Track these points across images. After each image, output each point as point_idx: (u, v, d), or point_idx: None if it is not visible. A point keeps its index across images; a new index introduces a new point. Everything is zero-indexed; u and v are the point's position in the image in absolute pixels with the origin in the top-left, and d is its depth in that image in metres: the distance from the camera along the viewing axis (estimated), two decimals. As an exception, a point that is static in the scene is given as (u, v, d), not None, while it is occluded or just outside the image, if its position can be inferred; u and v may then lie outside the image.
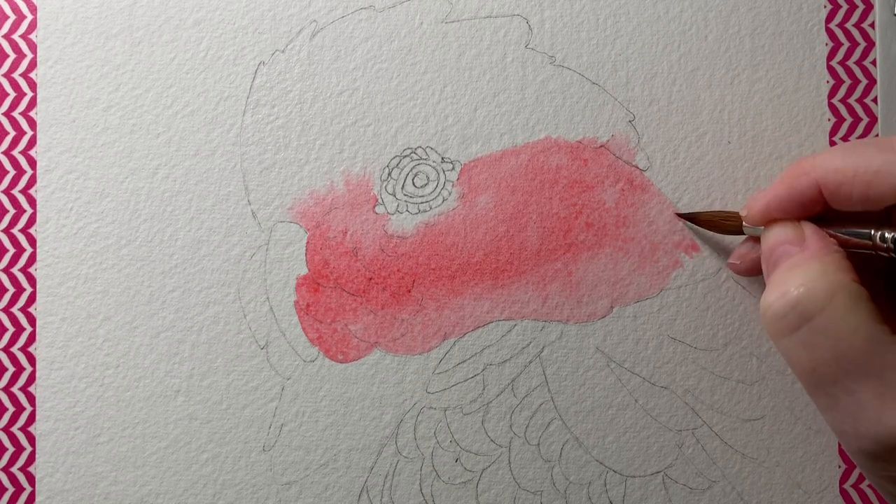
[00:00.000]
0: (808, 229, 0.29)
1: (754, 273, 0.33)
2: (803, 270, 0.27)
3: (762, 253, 0.30)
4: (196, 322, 0.35)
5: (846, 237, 0.29)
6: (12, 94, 0.35)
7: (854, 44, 0.35)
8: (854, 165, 0.27)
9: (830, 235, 0.29)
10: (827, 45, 0.35)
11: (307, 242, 0.35)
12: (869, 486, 0.34)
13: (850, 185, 0.27)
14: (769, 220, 0.30)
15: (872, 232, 0.28)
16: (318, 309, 0.35)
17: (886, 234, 0.27)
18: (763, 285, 0.30)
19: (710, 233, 0.34)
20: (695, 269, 0.35)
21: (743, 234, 0.32)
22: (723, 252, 0.35)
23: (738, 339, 0.35)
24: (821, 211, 0.29)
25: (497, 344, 0.35)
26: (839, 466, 0.34)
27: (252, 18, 0.35)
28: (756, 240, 0.32)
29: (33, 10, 0.35)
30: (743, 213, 0.32)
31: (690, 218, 0.34)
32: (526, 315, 0.35)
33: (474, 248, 0.35)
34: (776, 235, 0.30)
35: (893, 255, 0.28)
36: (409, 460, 0.35)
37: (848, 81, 0.35)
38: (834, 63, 0.35)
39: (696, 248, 0.35)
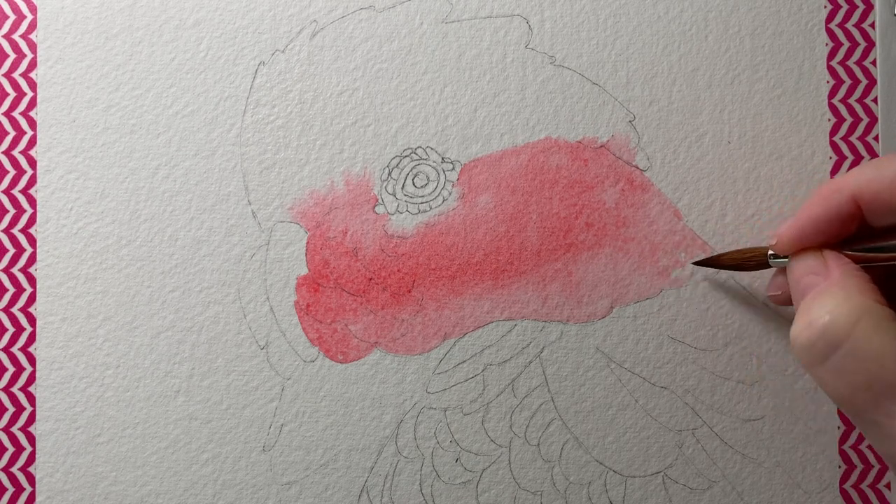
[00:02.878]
0: (830, 256, 0.29)
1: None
2: (827, 298, 0.27)
3: (790, 285, 0.30)
4: (196, 322, 0.35)
5: (878, 254, 0.28)
6: (12, 94, 0.35)
7: (854, 44, 0.35)
8: (889, 173, 0.27)
9: (859, 255, 0.29)
10: (827, 45, 0.35)
11: (307, 242, 0.35)
12: (869, 486, 0.34)
13: (887, 192, 0.27)
14: (800, 248, 0.30)
15: None
16: (318, 309, 0.35)
17: None
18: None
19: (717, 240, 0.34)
20: (695, 269, 0.35)
21: (769, 267, 0.32)
22: (723, 251, 0.35)
23: (738, 339, 0.35)
24: (855, 231, 0.29)
25: (497, 344, 0.35)
26: (839, 466, 0.34)
27: (252, 18, 0.35)
28: None
29: (33, 10, 0.35)
30: (772, 243, 0.31)
31: (712, 262, 0.33)
32: (526, 315, 0.35)
33: (474, 249, 0.35)
34: (799, 268, 0.30)
35: None
36: (409, 460, 0.35)
37: (848, 81, 0.35)
38: (834, 63, 0.35)
39: (696, 248, 0.35)
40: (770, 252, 0.31)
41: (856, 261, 0.29)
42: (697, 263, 0.34)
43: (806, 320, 0.27)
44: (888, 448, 0.26)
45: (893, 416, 0.25)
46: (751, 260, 0.32)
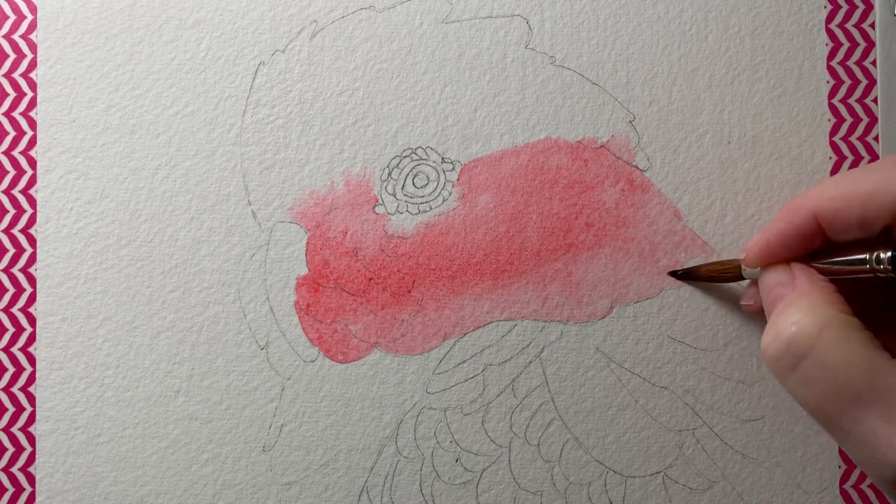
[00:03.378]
0: (797, 269, 0.30)
1: None
2: (793, 309, 0.28)
3: (762, 298, 0.31)
4: (196, 322, 0.35)
5: (843, 267, 0.29)
6: (12, 94, 0.35)
7: (854, 44, 0.35)
8: (847, 190, 0.28)
9: (827, 268, 0.29)
10: (827, 45, 0.35)
11: (307, 242, 0.35)
12: (869, 485, 0.34)
13: (846, 210, 0.28)
14: (767, 262, 0.31)
15: (868, 256, 0.28)
16: (318, 309, 0.35)
17: (882, 255, 0.28)
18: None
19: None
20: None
21: (743, 279, 0.32)
22: (723, 251, 0.35)
23: (738, 339, 0.35)
24: (820, 245, 0.30)
25: (497, 344, 0.35)
26: (839, 466, 0.34)
27: (252, 18, 0.35)
28: None
29: (33, 10, 0.35)
30: (742, 257, 0.32)
31: (688, 274, 0.34)
32: (526, 315, 0.35)
33: (474, 249, 0.35)
34: (769, 280, 0.30)
35: (892, 274, 0.28)
36: (409, 460, 0.35)
37: (848, 81, 0.35)
38: (834, 63, 0.35)
39: (696, 248, 0.35)
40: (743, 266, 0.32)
41: (824, 273, 0.29)
42: (674, 275, 0.34)
43: (774, 332, 0.28)
44: (857, 454, 0.26)
45: (860, 423, 0.25)
46: (726, 272, 0.33)
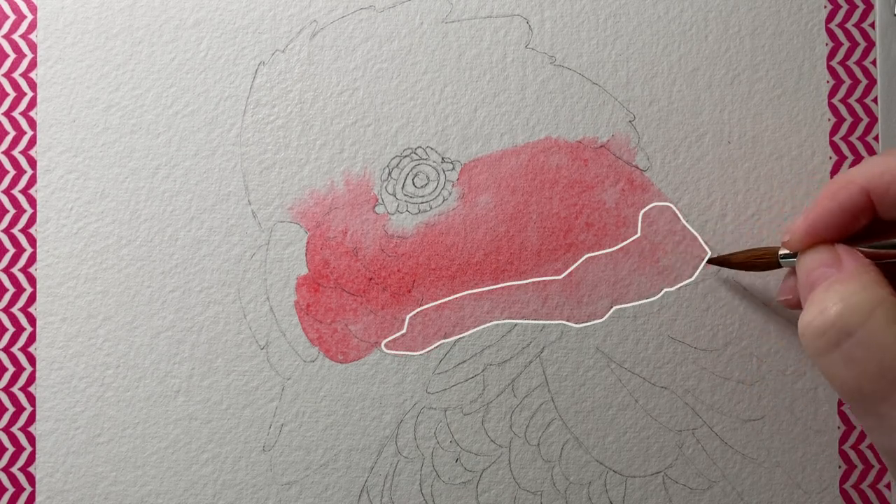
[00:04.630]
0: (843, 250, 0.29)
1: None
2: (842, 288, 0.27)
3: (798, 280, 0.30)
4: (196, 322, 0.35)
5: (889, 250, 0.28)
6: (12, 94, 0.35)
7: (854, 44, 0.35)
8: None
9: (872, 252, 0.29)
10: (827, 45, 0.35)
11: (307, 242, 0.35)
12: (869, 486, 0.34)
13: None
14: (812, 243, 0.30)
15: None
16: (318, 309, 0.35)
17: None
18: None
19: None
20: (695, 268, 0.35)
21: (779, 267, 0.31)
22: (724, 251, 0.35)
23: (738, 339, 0.35)
24: (866, 224, 0.29)
25: (497, 344, 0.35)
26: (839, 466, 0.34)
27: (252, 18, 0.35)
28: None
29: (33, 10, 0.35)
30: (785, 239, 0.31)
31: (723, 262, 0.33)
32: (526, 315, 0.35)
33: (474, 248, 0.35)
34: (811, 260, 0.29)
35: None
36: (409, 460, 0.35)
37: (848, 81, 0.35)
38: (834, 63, 0.35)
39: (696, 248, 0.35)
40: (780, 252, 0.31)
41: (868, 257, 0.28)
42: (711, 262, 0.34)
43: (818, 308, 0.27)
44: (889, 443, 0.26)
45: None
46: (761, 259, 0.32)
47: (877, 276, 0.27)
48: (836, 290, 0.27)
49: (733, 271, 0.34)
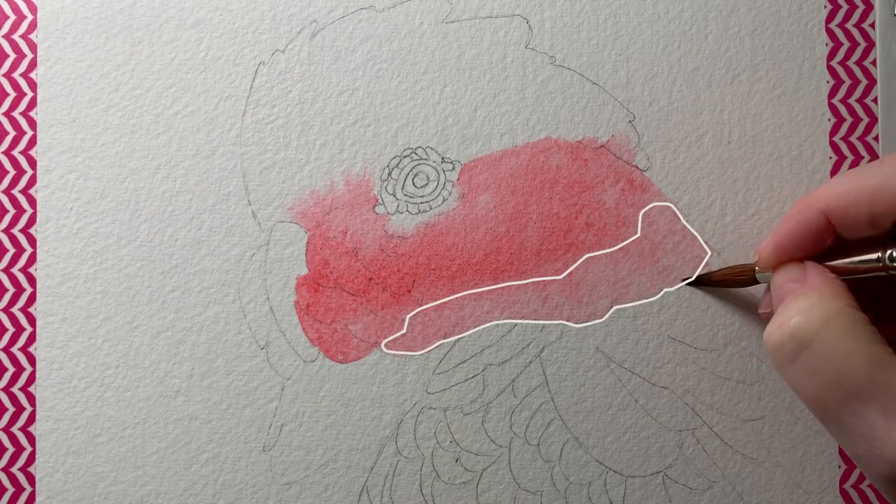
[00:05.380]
0: (810, 266, 0.30)
1: None
2: (801, 300, 0.28)
3: (772, 296, 0.31)
4: (196, 322, 0.35)
5: (856, 265, 0.29)
6: (12, 94, 0.35)
7: (854, 44, 0.35)
8: (855, 187, 0.28)
9: (839, 268, 0.29)
10: (827, 45, 0.35)
11: (307, 242, 0.35)
12: (869, 486, 0.34)
13: (855, 206, 0.28)
14: (780, 262, 0.31)
15: (880, 255, 0.28)
16: (318, 309, 0.35)
17: (895, 254, 0.28)
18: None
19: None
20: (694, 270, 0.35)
21: (758, 283, 0.32)
22: (724, 251, 0.35)
23: (738, 339, 0.35)
24: (831, 244, 0.30)
25: (497, 344, 0.35)
26: (839, 466, 0.34)
27: (252, 18, 0.35)
28: None
29: (33, 10, 0.35)
30: (755, 259, 0.32)
31: (703, 281, 0.34)
32: (526, 315, 0.35)
33: (474, 249, 0.35)
34: (781, 277, 0.30)
35: None
36: (409, 460, 0.35)
37: (848, 81, 0.35)
38: (834, 63, 0.35)
39: (696, 248, 0.35)
40: (757, 268, 0.32)
41: (837, 272, 0.29)
42: (689, 283, 0.34)
43: (778, 321, 0.28)
44: (854, 449, 0.26)
45: (859, 416, 0.25)
46: (740, 276, 0.33)
47: (837, 288, 0.28)
48: (795, 303, 0.28)
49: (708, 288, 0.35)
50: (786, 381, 0.28)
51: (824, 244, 0.30)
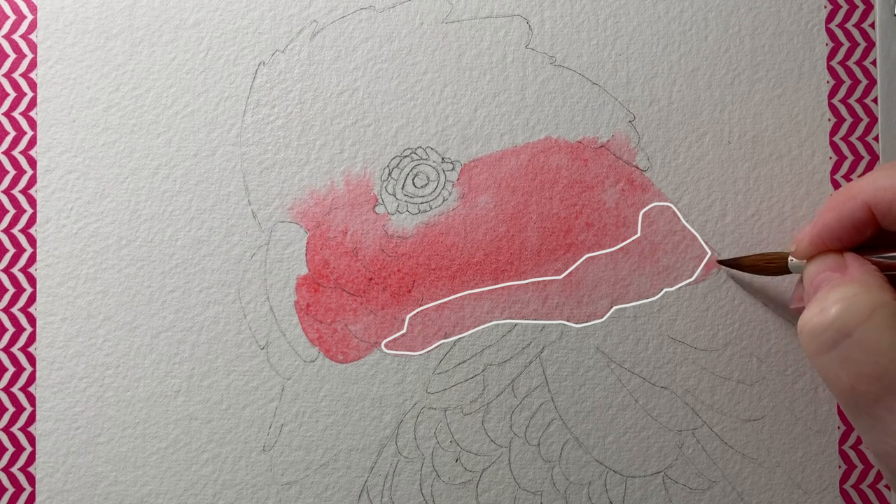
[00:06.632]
0: (850, 257, 0.29)
1: None
2: (843, 289, 0.27)
3: (804, 284, 0.30)
4: (196, 322, 0.35)
5: (894, 261, 0.29)
6: (12, 94, 0.35)
7: (854, 44, 0.35)
8: None
9: (877, 261, 0.29)
10: (827, 45, 0.35)
11: (307, 242, 0.35)
12: (869, 486, 0.34)
13: None
14: (818, 253, 0.30)
15: None
16: (318, 309, 0.35)
17: None
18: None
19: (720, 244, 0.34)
20: (695, 269, 0.35)
21: (789, 272, 0.32)
22: (724, 251, 0.35)
23: (738, 339, 0.35)
24: (871, 236, 0.29)
25: (497, 344, 0.35)
26: (839, 466, 0.34)
27: (252, 18, 0.35)
28: None
29: (33, 10, 0.35)
30: (791, 249, 0.31)
31: (733, 264, 0.34)
32: (526, 315, 0.35)
33: (474, 249, 0.35)
34: (817, 265, 0.30)
35: None
36: (409, 460, 0.35)
37: (848, 81, 0.35)
38: (834, 63, 0.35)
39: (696, 248, 0.35)
40: (791, 258, 0.31)
41: (876, 266, 0.29)
42: (721, 262, 0.34)
43: (818, 307, 0.27)
44: (882, 445, 0.26)
45: (894, 412, 0.25)
46: (771, 263, 0.32)
47: (881, 280, 0.27)
48: (837, 290, 0.27)
49: (738, 272, 0.34)
50: (817, 371, 0.27)
51: (865, 236, 0.29)
